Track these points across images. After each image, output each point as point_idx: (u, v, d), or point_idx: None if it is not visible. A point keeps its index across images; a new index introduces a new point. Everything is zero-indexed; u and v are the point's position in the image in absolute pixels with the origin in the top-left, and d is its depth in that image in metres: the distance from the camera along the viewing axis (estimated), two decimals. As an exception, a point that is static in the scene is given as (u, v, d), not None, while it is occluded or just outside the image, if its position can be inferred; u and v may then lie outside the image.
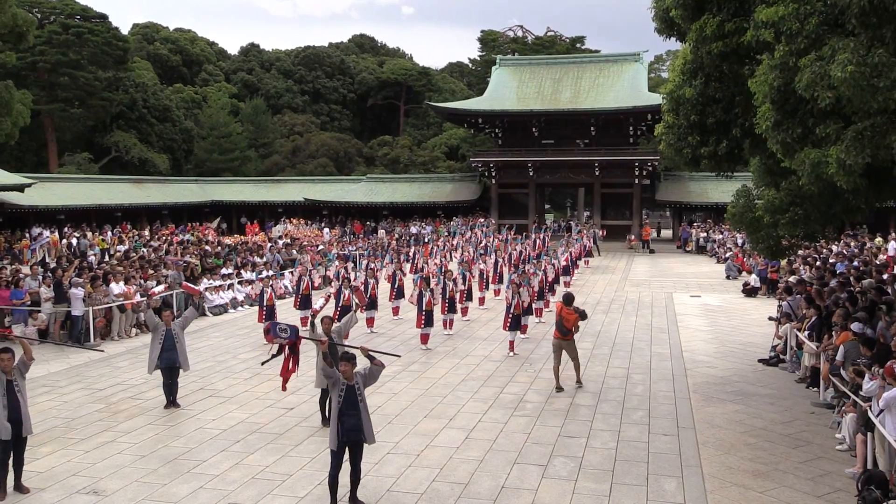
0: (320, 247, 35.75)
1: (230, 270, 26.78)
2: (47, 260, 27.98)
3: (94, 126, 60.93)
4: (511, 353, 17.21)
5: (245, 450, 10.99)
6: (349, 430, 8.80)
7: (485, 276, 25.08)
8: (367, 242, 41.10)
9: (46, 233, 36.38)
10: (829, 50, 8.60)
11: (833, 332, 13.65)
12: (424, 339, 18.09)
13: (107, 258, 29.52)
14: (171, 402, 13.19)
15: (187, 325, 13.72)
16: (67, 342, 18.89)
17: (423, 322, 18.11)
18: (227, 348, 18.46)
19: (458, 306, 20.65)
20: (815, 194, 11.67)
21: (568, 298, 14.56)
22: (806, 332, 15.04)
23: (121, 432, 11.88)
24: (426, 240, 42.96)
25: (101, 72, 57.93)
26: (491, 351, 17.57)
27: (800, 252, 24.18)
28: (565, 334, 14.31)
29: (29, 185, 38.19)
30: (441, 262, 27.75)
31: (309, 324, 13.39)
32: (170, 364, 13.11)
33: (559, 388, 14.15)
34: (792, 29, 9.01)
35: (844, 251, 27.84)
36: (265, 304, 19.57)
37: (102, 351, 17.40)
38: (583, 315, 14.51)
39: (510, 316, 17.43)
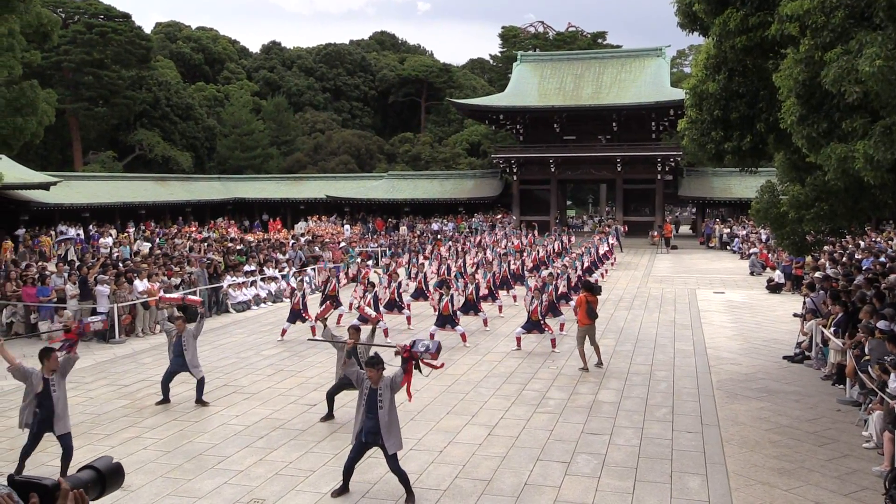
0: (342, 243, 35.82)
1: (253, 267, 26.92)
2: (71, 257, 28.22)
3: (118, 124, 61.44)
4: (516, 349, 17.42)
5: (268, 446, 11.05)
6: (367, 431, 8.96)
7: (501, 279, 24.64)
8: (389, 239, 41.17)
9: (72, 231, 36.79)
10: (855, 44, 8.50)
11: (859, 329, 13.51)
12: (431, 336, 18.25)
13: (130, 256, 29.73)
14: (199, 400, 13.26)
15: (198, 333, 13.67)
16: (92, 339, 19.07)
17: (437, 323, 18.33)
18: (251, 345, 18.57)
19: (483, 309, 20.53)
20: (842, 189, 11.54)
21: (591, 286, 16.36)
22: (832, 329, 14.89)
23: (145, 428, 11.99)
24: (448, 237, 42.94)
25: (125, 71, 58.38)
26: (513, 348, 17.55)
27: (825, 248, 23.93)
28: (594, 319, 15.70)
29: (54, 184, 38.58)
30: (460, 262, 27.72)
31: (321, 324, 13.50)
32: (177, 370, 13.29)
33: (587, 369, 15.45)
34: (817, 22, 8.92)
35: (871, 247, 27.54)
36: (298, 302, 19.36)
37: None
38: (600, 291, 17.03)
39: (528, 320, 17.54)
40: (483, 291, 21.13)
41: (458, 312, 18.74)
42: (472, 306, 19.57)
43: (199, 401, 13.24)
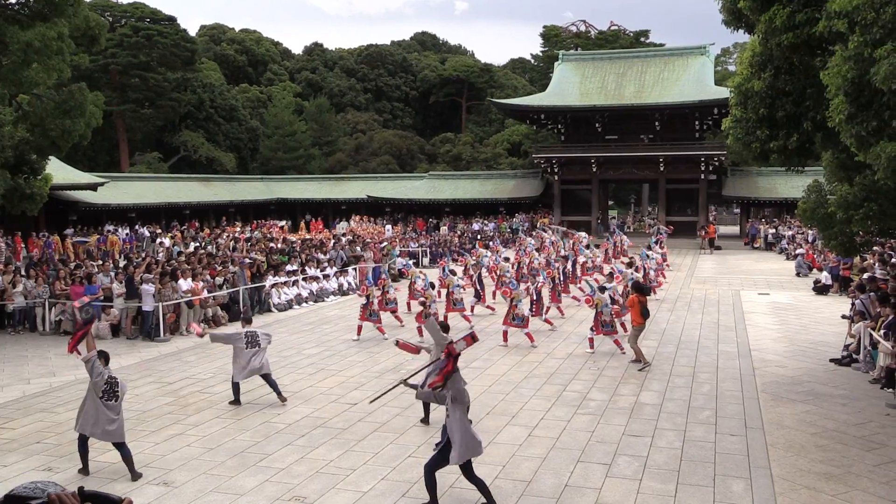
0: (384, 244, 35.94)
1: (295, 267, 27.14)
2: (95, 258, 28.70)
3: (164, 126, 62.51)
4: (590, 351, 17.07)
5: (310, 444, 11.13)
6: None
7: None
8: (430, 239, 41.22)
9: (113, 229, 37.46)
10: (906, 40, 8.32)
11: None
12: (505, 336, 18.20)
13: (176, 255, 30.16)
14: (279, 396, 13.24)
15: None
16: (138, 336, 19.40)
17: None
18: (292, 344, 18.71)
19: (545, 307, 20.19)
20: (892, 189, 11.31)
21: (641, 287, 16.58)
22: (881, 332, 14.57)
23: (189, 425, 12.15)
24: (489, 237, 42.83)
25: (170, 73, 59.37)
26: (554, 348, 17.45)
27: (874, 249, 23.44)
28: (647, 318, 16.09)
29: (101, 185, 39.36)
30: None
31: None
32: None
33: (648, 364, 15.63)
34: (867, 19, 8.74)
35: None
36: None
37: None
38: (650, 291, 17.36)
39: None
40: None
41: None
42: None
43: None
